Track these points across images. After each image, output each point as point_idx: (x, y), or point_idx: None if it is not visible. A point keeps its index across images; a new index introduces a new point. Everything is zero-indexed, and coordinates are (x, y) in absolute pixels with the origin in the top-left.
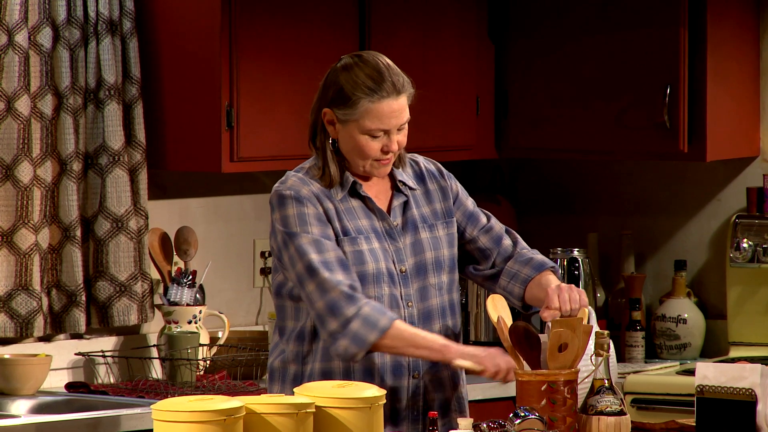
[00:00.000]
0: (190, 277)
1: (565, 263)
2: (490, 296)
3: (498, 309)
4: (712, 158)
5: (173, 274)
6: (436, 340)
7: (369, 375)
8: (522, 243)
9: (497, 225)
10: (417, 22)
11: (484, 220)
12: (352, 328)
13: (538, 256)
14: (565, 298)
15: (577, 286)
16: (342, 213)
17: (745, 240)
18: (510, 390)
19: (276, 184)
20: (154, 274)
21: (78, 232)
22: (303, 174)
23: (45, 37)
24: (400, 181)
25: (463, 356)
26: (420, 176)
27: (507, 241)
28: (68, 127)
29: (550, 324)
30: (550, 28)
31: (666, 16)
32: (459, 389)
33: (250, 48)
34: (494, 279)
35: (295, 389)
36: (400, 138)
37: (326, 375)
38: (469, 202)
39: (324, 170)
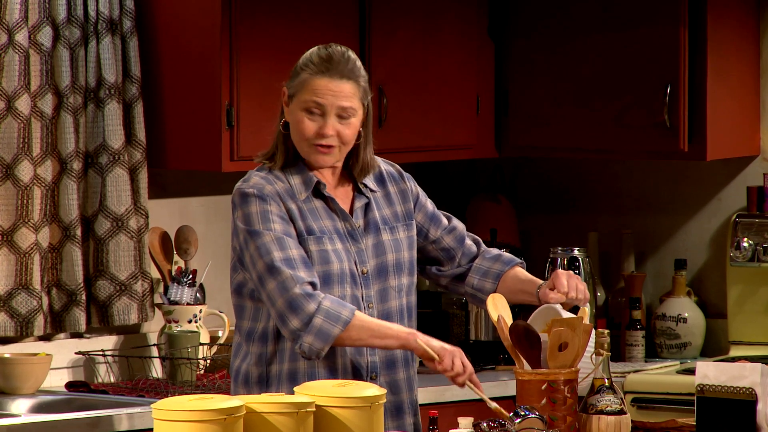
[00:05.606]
0: (191, 276)
1: (566, 262)
2: (490, 295)
3: (498, 308)
4: (713, 157)
5: (173, 273)
6: (401, 328)
7: (332, 375)
8: (483, 244)
9: (459, 225)
10: (417, 21)
11: (446, 221)
12: (315, 323)
13: (505, 253)
14: (573, 285)
15: None
16: (305, 213)
17: (745, 239)
18: (510, 389)
19: (238, 183)
20: (155, 273)
21: (78, 232)
22: (266, 173)
23: (45, 37)
24: (362, 183)
25: (427, 344)
26: (380, 179)
27: (470, 241)
28: (68, 126)
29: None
30: (550, 27)
31: (666, 16)
32: (413, 393)
33: (250, 47)
34: (461, 278)
35: (295, 388)
36: (341, 128)
37: (292, 376)
38: (429, 204)
39: (274, 154)
